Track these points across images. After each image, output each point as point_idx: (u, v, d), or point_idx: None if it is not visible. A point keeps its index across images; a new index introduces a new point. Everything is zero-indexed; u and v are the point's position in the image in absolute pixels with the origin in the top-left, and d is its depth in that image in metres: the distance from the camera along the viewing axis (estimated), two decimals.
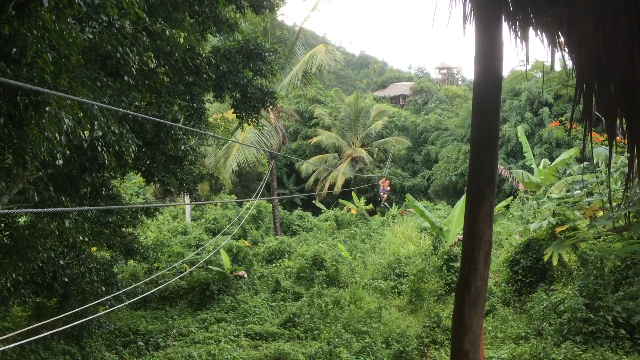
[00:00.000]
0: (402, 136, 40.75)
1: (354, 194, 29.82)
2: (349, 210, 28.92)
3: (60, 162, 4.77)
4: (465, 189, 3.56)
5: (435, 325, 10.50)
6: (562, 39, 3.12)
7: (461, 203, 15.35)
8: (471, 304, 3.18)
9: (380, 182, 31.55)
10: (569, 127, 13.81)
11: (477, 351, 3.15)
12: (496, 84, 3.30)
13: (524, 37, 3.19)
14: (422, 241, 18.99)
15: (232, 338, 10.90)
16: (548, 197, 13.14)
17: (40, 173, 7.68)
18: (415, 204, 15.30)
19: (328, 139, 37.34)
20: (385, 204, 32.11)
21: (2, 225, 8.70)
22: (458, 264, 13.10)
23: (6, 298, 8.02)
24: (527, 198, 19.48)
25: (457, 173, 35.08)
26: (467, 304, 3.19)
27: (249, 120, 11.95)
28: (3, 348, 4.14)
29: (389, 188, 31.66)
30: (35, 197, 6.92)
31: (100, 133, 5.48)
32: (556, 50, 3.14)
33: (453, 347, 3.23)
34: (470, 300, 3.19)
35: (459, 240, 15.10)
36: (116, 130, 5.90)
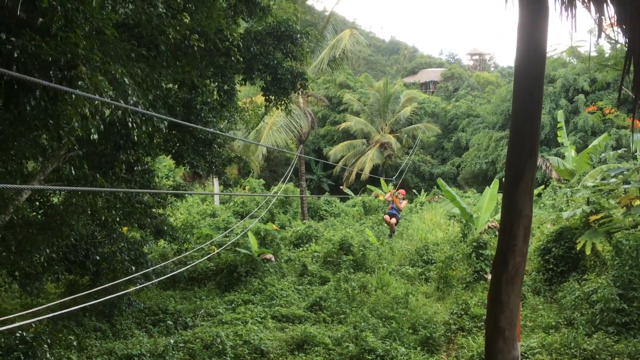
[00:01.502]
0: (432, 123, 40.29)
1: (382, 180, 29.60)
2: (376, 196, 28.74)
3: (95, 136, 4.81)
4: (505, 162, 3.45)
5: (463, 313, 10.39)
6: (610, 13, 2.97)
7: (491, 190, 15.09)
8: (508, 280, 3.10)
9: (387, 194, 19.67)
10: (606, 112, 13.42)
11: (514, 329, 3.07)
12: (540, 55, 3.17)
13: (571, 4, 3.05)
14: (451, 228, 18.78)
15: (259, 320, 10.98)
16: (582, 185, 12.83)
17: (75, 151, 7.80)
18: (447, 188, 15.09)
19: (356, 125, 37.13)
20: (395, 231, 18.92)
21: (37, 203, 8.90)
22: (487, 252, 12.91)
23: (40, 274, 8.22)
24: (560, 187, 19.08)
25: (488, 161, 34.55)
26: (505, 281, 3.11)
27: (279, 103, 11.92)
28: (37, 319, 4.21)
29: (403, 202, 19.04)
30: (72, 172, 7.03)
31: (131, 102, 5.51)
32: (604, 20, 2.99)
33: (489, 324, 3.16)
34: (507, 277, 3.10)
35: (489, 227, 14.88)
36: (148, 105, 5.93)
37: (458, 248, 14.62)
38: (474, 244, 13.24)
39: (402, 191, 19.67)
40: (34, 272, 8.18)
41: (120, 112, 5.37)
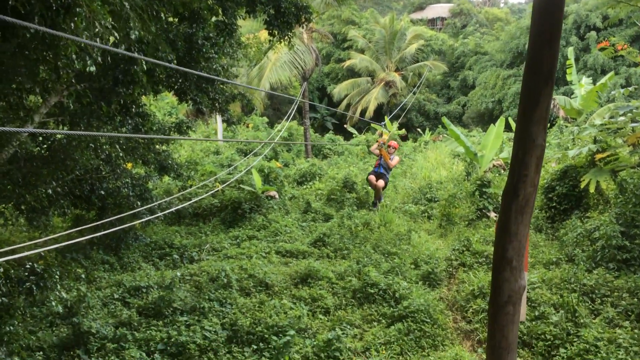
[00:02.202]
0: (439, 61, 39.49)
1: (386, 119, 29.35)
2: (381, 134, 28.60)
3: (92, 68, 4.70)
4: (520, 88, 3.34)
5: (464, 249, 10.52)
6: None
7: (497, 128, 14.94)
8: (518, 210, 3.07)
9: (374, 145, 14.46)
10: (619, 48, 13.06)
11: (521, 259, 3.07)
12: None
13: None
14: (455, 167, 18.75)
15: (264, 255, 11.16)
16: (590, 123, 12.67)
17: (74, 86, 7.67)
18: (451, 127, 14.96)
19: (361, 63, 36.45)
20: (382, 197, 14.53)
21: (40, 137, 8.86)
22: (491, 190, 12.94)
23: (46, 208, 8.28)
24: (566, 126, 18.89)
25: (494, 100, 34.13)
26: (514, 211, 3.08)
27: (282, 38, 11.61)
28: (45, 249, 4.26)
29: (395, 159, 14.25)
30: (70, 105, 6.94)
31: (134, 37, 5.36)
32: None
33: (496, 254, 3.16)
34: (517, 207, 3.07)
35: (493, 166, 14.85)
36: (150, 37, 5.77)
37: (461, 186, 14.65)
38: (478, 182, 13.25)
39: (393, 143, 14.09)
40: (39, 206, 8.24)
41: (123, 46, 5.22)
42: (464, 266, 10.00)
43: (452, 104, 39.32)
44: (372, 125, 31.15)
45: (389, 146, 13.90)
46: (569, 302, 7.56)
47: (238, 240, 12.28)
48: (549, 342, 7.04)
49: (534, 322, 7.49)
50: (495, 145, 14.71)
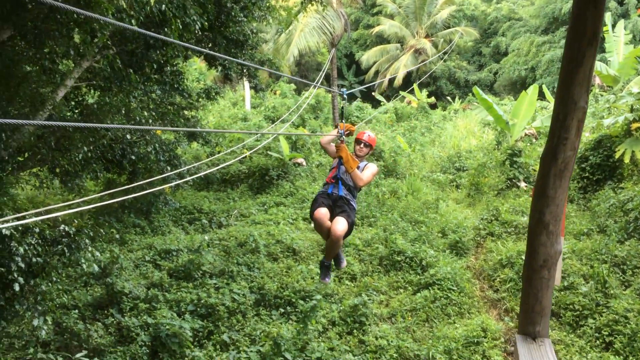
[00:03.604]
0: (470, 27, 38.42)
1: (415, 87, 28.89)
2: (409, 102, 28.23)
3: (135, 27, 4.69)
4: (563, 50, 3.22)
5: (493, 218, 10.42)
6: None
7: (529, 96, 14.57)
8: (557, 175, 3.00)
9: (326, 137, 5.92)
10: None
11: (558, 224, 3.02)
12: None
13: None
14: (485, 136, 18.45)
15: (291, 221, 11.24)
16: (627, 92, 12.25)
17: (107, 50, 7.71)
18: (483, 96, 14.65)
19: (390, 29, 35.72)
20: (342, 259, 6.20)
21: (73, 102, 8.99)
22: (522, 160, 12.71)
23: (80, 171, 8.44)
24: (602, 94, 18.32)
25: (527, 67, 33.21)
26: (553, 175, 3.01)
27: (313, 1, 11.43)
28: (79, 209, 4.35)
29: (370, 170, 5.78)
30: (107, 68, 7.00)
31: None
32: None
33: (532, 218, 3.11)
34: (556, 170, 3.00)
35: (525, 135, 14.56)
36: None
37: (491, 155, 14.43)
38: (509, 151, 13.02)
39: (366, 136, 5.87)
40: (73, 169, 8.41)
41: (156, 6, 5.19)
42: (492, 236, 9.92)
43: (484, 71, 38.39)
44: (402, 93, 30.75)
45: (359, 141, 5.85)
46: (600, 273, 7.46)
47: (265, 207, 12.38)
48: (578, 313, 6.98)
49: (562, 292, 7.42)
50: (527, 113, 14.37)
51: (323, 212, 5.43)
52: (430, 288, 7.96)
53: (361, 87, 19.07)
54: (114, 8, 4.44)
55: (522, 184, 12.35)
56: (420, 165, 15.80)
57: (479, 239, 10.03)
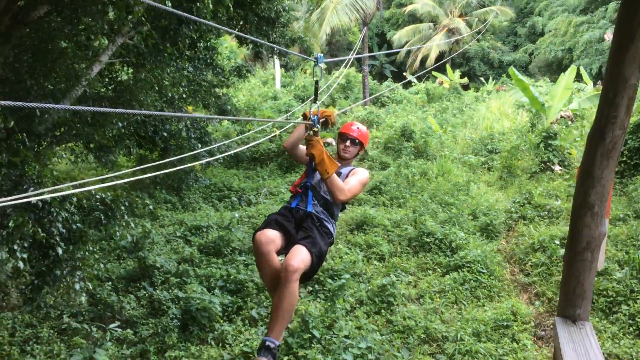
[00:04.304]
0: (506, 6, 37.50)
1: (448, 67, 28.42)
2: (441, 83, 27.80)
3: (169, 3, 4.70)
4: (614, 27, 3.07)
5: (526, 202, 10.24)
6: None
7: (567, 77, 14.18)
8: (604, 154, 2.90)
9: (296, 130, 4.21)
10: None
11: (604, 205, 2.93)
12: None
13: None
14: (519, 118, 18.06)
15: None
16: None
17: (141, 26, 7.75)
18: (519, 76, 14.31)
19: (423, 8, 35.07)
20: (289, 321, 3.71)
21: (107, 79, 9.10)
22: (557, 142, 12.41)
23: (113, 147, 8.58)
24: None
25: (564, 48, 32.30)
26: (600, 154, 2.91)
27: None
28: (113, 184, 4.42)
29: (359, 177, 4.06)
30: (142, 45, 7.05)
31: None
32: None
33: (577, 199, 3.02)
34: (603, 150, 2.90)
35: (561, 117, 14.21)
36: None
37: (525, 138, 14.14)
38: (543, 134, 12.72)
39: (358, 131, 4.27)
40: (107, 145, 8.56)
41: None
42: (524, 219, 9.76)
43: (519, 52, 37.49)
44: (434, 73, 30.26)
45: (344, 136, 4.27)
46: (635, 259, 7.27)
47: None
48: (611, 299, 6.84)
49: (596, 278, 7.27)
50: (564, 95, 14.01)
51: (270, 236, 3.48)
52: (459, 270, 7.88)
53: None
54: None
55: (557, 168, 12.09)
56: (451, 146, 15.60)
57: (510, 222, 9.88)
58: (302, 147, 4.06)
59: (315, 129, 3.85)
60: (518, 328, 6.52)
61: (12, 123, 6.30)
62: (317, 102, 3.94)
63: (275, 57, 17.66)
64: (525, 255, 8.42)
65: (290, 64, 14.80)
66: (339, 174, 3.96)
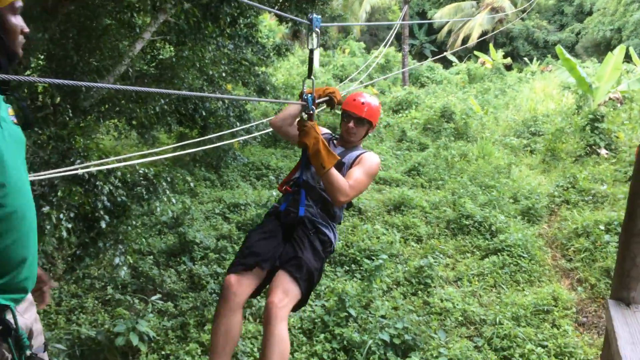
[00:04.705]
0: None
1: (491, 47, 27.72)
2: (483, 63, 27.15)
3: None
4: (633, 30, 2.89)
5: (570, 186, 9.96)
6: None
7: (615, 57, 13.63)
8: None
9: (288, 109, 3.58)
10: None
11: None
12: None
13: None
14: (565, 99, 17.51)
15: None
16: None
17: (181, 4, 7.80)
18: (566, 55, 13.84)
19: None
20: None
21: (149, 56, 9.21)
22: (604, 125, 11.99)
23: (155, 124, 8.71)
24: None
25: (613, 28, 31.07)
26: None
27: None
28: (154, 159, 4.49)
29: (367, 161, 3.31)
30: (183, 23, 7.10)
31: None
32: None
33: (635, 179, 2.89)
34: None
35: (609, 99, 13.70)
36: None
37: (571, 120, 13.71)
38: (590, 116, 12.30)
39: (365, 106, 3.39)
40: (148, 122, 8.69)
41: None
42: (567, 204, 9.51)
43: (565, 31, 36.23)
44: (475, 53, 29.55)
45: (346, 114, 3.44)
46: None
47: None
48: None
49: None
50: (612, 76, 13.49)
51: (239, 281, 2.92)
52: (499, 254, 7.75)
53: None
54: None
55: (603, 151, 11.70)
56: (492, 128, 15.27)
57: (553, 206, 9.64)
58: (293, 128, 3.37)
59: (311, 112, 3.14)
60: (559, 314, 6.39)
61: (59, 99, 6.46)
62: (311, 77, 3.27)
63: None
64: (568, 241, 8.22)
65: (329, 42, 14.66)
66: (340, 165, 3.21)
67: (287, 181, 3.34)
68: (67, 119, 5.54)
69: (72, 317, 6.01)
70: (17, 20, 1.77)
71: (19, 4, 1.78)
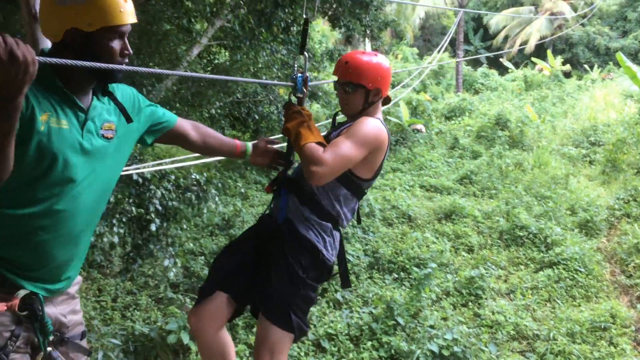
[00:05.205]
0: None
1: (549, 53, 26.91)
2: (540, 70, 26.37)
3: None
4: None
5: (631, 199, 9.53)
6: None
7: None
8: None
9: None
10: None
11: None
12: None
13: None
14: (627, 109, 16.79)
15: (407, 187, 11.09)
16: None
17: (238, 10, 7.95)
18: (627, 63, 13.28)
19: None
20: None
21: (205, 60, 9.43)
22: None
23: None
24: None
25: None
26: None
27: None
28: (206, 160, 4.58)
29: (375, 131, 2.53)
30: (237, 27, 7.25)
31: None
32: None
33: None
34: None
35: None
36: None
37: (633, 130, 13.12)
38: None
39: (354, 62, 2.60)
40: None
41: None
42: (628, 217, 9.08)
43: (628, 38, 34.73)
44: (533, 59, 28.74)
45: (340, 81, 2.65)
46: None
47: (382, 172, 12.30)
48: None
49: None
50: None
51: (200, 318, 2.53)
52: (554, 267, 7.49)
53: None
54: None
55: None
56: (549, 137, 14.80)
57: (612, 219, 9.23)
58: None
59: (300, 96, 2.61)
60: (617, 331, 6.11)
61: None
62: (304, 52, 2.68)
63: (367, 40, 17.53)
64: (628, 256, 7.85)
65: (382, 48, 14.62)
66: (331, 135, 2.62)
67: (274, 180, 2.70)
68: None
69: (127, 314, 6.20)
70: (115, 44, 1.78)
71: (126, 28, 1.81)
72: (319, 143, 2.37)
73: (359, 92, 2.59)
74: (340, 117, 2.89)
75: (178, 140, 2.42)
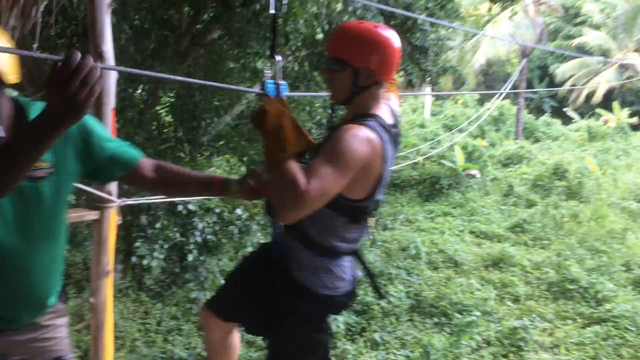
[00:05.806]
0: None
1: (615, 104, 26.17)
2: (606, 121, 25.66)
3: (320, 36, 5.09)
4: None
5: None
6: None
7: None
8: None
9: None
10: None
11: None
12: None
13: None
14: None
15: (457, 232, 11.01)
16: None
17: (299, 52, 8.35)
18: None
19: (594, 41, 32.75)
20: None
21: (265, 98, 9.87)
22: None
23: (263, 162, 9.26)
24: None
25: None
26: None
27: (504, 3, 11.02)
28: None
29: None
30: (295, 68, 7.62)
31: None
32: None
33: None
34: None
35: None
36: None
37: None
38: None
39: (335, 41, 2.11)
40: (258, 159, 9.26)
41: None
42: None
43: None
44: (597, 110, 28.02)
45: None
46: None
47: (432, 215, 12.28)
48: None
49: None
50: None
51: (221, 325, 2.41)
52: (603, 324, 7.22)
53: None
54: (305, 15, 4.85)
55: None
56: (610, 190, 14.35)
57: None
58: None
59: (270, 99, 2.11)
60: None
61: (181, 133, 7.14)
62: (274, 55, 2.32)
63: (427, 84, 17.72)
64: None
65: (441, 91, 14.76)
66: (318, 148, 1.98)
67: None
68: (183, 154, 6.09)
69: (169, 338, 6.44)
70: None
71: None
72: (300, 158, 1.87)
73: (345, 71, 2.04)
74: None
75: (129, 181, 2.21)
